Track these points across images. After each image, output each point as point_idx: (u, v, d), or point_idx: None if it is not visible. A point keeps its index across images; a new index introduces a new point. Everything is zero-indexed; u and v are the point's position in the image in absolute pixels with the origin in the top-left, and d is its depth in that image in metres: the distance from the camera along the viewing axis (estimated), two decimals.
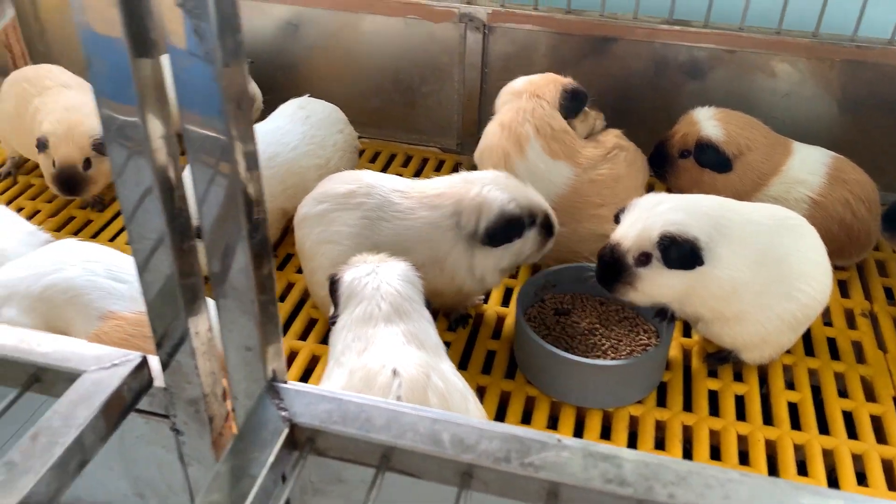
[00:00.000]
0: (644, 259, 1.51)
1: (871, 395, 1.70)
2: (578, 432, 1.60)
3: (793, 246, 1.59)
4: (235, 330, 0.80)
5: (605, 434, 1.59)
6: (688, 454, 1.55)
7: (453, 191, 1.63)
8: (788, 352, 1.76)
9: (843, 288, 2.01)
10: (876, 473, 1.51)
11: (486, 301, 1.91)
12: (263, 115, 2.20)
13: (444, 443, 0.76)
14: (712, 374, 1.73)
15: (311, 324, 1.86)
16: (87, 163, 2.07)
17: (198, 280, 0.80)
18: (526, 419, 1.62)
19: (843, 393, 1.70)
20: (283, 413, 0.79)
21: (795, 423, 1.62)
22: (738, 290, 1.55)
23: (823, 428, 1.62)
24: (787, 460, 1.53)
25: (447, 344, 1.52)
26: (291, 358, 1.75)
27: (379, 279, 1.33)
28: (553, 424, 1.62)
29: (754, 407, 1.65)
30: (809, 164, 1.95)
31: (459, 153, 2.56)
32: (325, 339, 1.75)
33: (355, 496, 0.90)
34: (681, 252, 1.48)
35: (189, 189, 0.70)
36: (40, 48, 2.78)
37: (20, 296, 1.35)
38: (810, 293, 1.60)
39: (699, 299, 1.57)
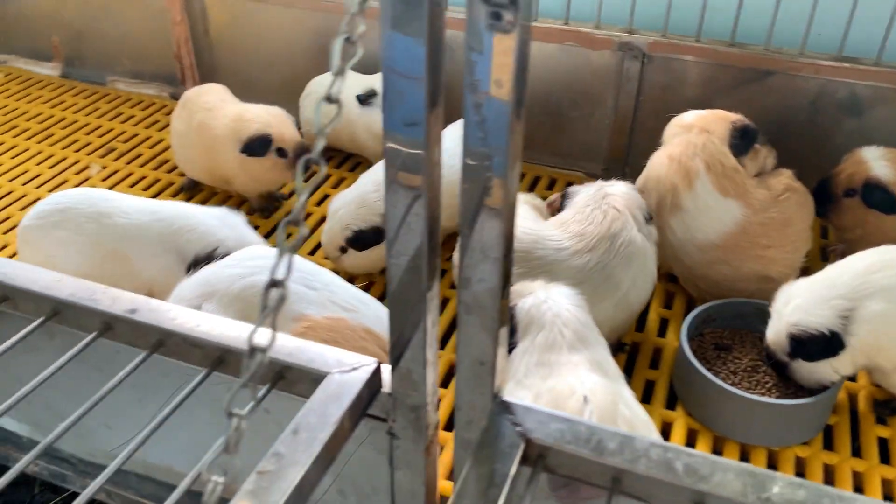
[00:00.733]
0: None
1: None
2: None
3: None
4: (473, 344, 0.85)
5: None
6: None
7: None
8: None
9: None
10: None
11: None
12: None
13: (678, 471, 0.78)
14: (880, 420, 1.67)
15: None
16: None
17: (436, 293, 0.85)
18: None
19: None
20: (518, 428, 0.83)
21: None
22: None
23: None
24: None
25: None
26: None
27: (558, 306, 1.35)
28: None
29: None
30: None
31: (605, 178, 2.56)
32: None
33: None
34: (817, 347, 1.51)
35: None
36: (207, 61, 2.98)
37: (221, 293, 1.46)
38: None
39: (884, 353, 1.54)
